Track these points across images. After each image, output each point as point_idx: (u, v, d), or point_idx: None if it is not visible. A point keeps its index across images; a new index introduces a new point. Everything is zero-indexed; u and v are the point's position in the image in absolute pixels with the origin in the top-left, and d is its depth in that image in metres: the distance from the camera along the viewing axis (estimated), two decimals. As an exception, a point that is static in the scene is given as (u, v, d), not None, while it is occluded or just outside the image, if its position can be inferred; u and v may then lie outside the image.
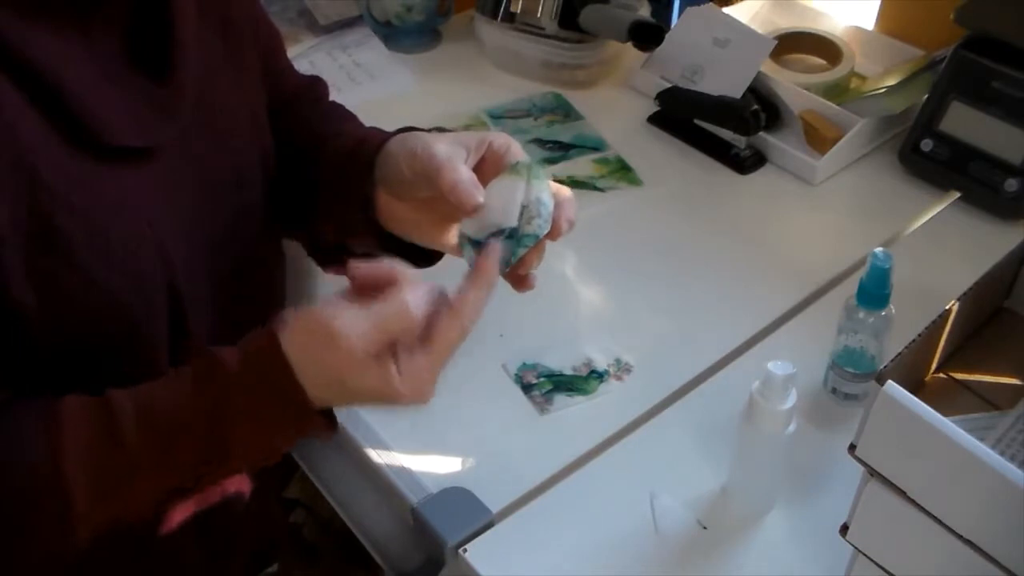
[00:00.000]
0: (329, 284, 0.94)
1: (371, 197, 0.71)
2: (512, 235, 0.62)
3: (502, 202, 0.62)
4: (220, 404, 0.58)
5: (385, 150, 0.70)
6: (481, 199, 0.63)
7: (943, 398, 0.75)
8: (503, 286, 0.65)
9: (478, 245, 0.62)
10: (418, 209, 0.71)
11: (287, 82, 0.86)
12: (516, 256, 0.62)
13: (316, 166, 0.78)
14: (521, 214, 0.62)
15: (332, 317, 0.58)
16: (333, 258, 0.83)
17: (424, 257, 0.75)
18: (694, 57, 1.17)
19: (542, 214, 0.62)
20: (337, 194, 0.74)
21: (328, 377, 0.58)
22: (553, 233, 0.65)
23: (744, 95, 1.10)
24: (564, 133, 1.17)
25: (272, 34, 0.83)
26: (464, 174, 0.64)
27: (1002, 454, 0.55)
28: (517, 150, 0.68)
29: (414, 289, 0.59)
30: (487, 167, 0.67)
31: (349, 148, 0.75)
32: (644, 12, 1.22)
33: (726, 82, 1.12)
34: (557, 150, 1.14)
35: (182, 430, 0.58)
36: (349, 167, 0.73)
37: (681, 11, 1.30)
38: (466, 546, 0.72)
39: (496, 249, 0.62)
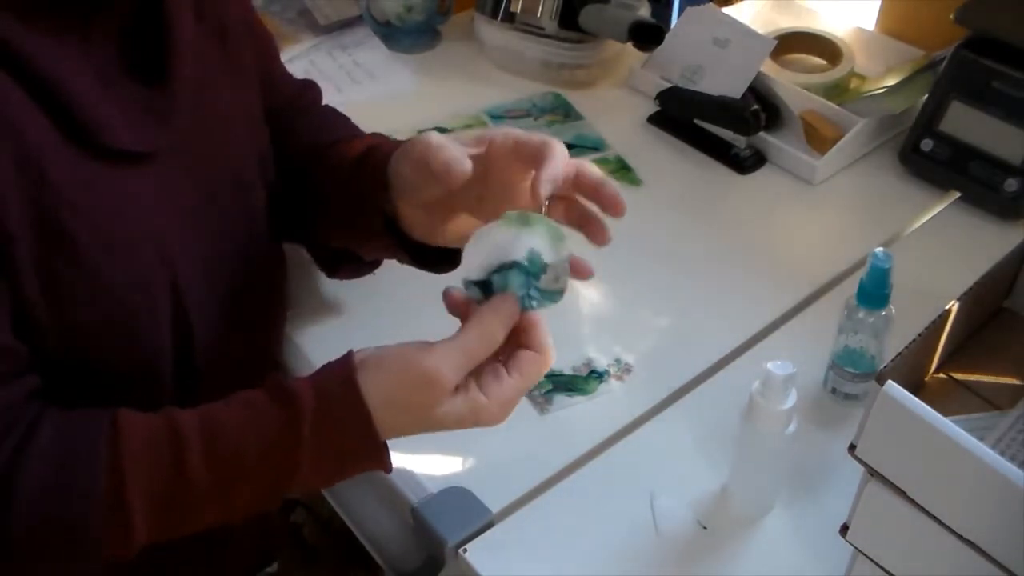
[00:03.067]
0: (332, 285, 0.94)
1: (390, 208, 0.72)
2: (515, 266, 0.61)
3: (497, 243, 0.62)
4: (293, 457, 0.59)
5: (393, 160, 0.70)
6: (470, 166, 0.63)
7: (943, 398, 0.75)
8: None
9: (483, 286, 0.62)
10: (433, 211, 0.70)
11: (282, 87, 0.86)
12: (541, 305, 0.63)
13: (320, 174, 0.78)
14: (545, 272, 0.62)
15: (424, 357, 0.58)
16: (340, 264, 0.83)
17: (447, 260, 0.75)
18: (694, 57, 1.17)
19: (568, 271, 0.63)
20: (351, 204, 0.74)
21: (415, 415, 0.59)
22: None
23: (744, 95, 1.10)
24: (564, 133, 1.17)
25: (266, 39, 0.83)
26: (454, 150, 0.63)
27: (1002, 454, 0.55)
28: (520, 139, 0.66)
29: (492, 311, 0.60)
30: (496, 165, 0.67)
31: (356, 157, 0.75)
32: (644, 12, 1.22)
33: (726, 82, 1.12)
34: (557, 150, 1.14)
35: (248, 470, 0.59)
36: (361, 177, 0.73)
37: (681, 11, 1.30)
38: (466, 546, 0.72)
39: (512, 301, 0.62)
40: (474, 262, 0.63)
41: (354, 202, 0.74)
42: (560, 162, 0.63)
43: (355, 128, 0.86)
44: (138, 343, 0.64)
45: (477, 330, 0.60)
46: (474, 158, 0.64)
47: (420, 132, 1.14)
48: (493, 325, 0.60)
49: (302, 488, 0.61)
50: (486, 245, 0.62)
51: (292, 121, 0.85)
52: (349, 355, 0.61)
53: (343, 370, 0.60)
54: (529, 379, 0.61)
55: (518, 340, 0.62)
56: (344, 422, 0.59)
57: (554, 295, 0.63)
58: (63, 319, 0.60)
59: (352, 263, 0.81)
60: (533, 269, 0.62)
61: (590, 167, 0.67)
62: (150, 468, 0.57)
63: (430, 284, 0.77)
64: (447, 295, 0.63)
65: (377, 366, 0.60)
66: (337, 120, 0.88)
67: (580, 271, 0.67)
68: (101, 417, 0.58)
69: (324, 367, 0.61)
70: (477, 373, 0.60)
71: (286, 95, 0.86)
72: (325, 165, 0.78)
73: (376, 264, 0.83)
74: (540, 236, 0.62)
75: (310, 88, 0.91)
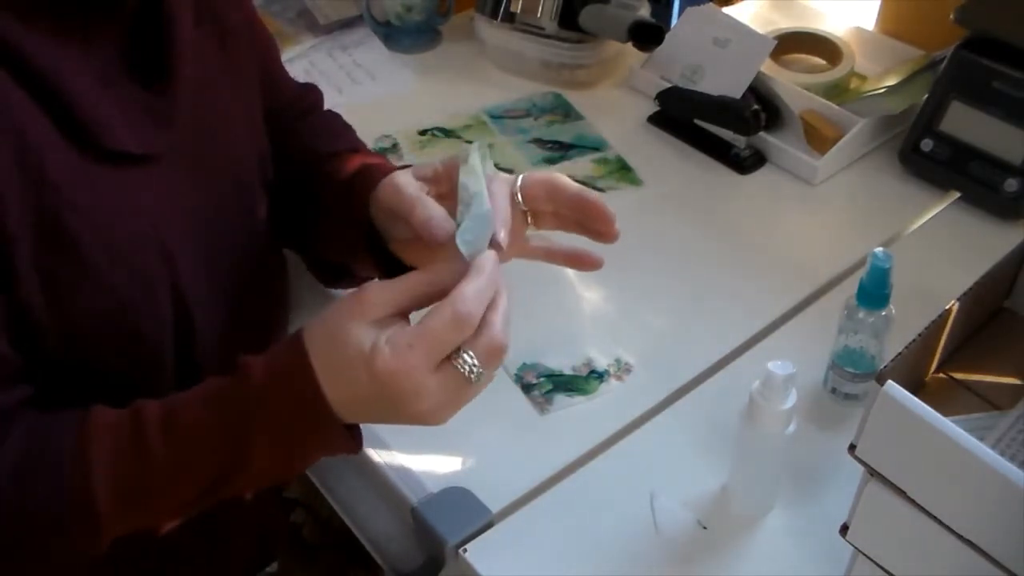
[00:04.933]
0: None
1: (378, 236, 0.72)
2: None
3: (466, 194, 0.63)
4: (242, 417, 0.58)
5: (372, 196, 0.71)
6: (451, 231, 0.62)
7: (943, 398, 0.75)
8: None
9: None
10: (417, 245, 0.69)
11: (283, 89, 0.86)
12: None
13: (312, 188, 0.78)
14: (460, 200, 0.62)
15: (354, 293, 0.59)
16: (338, 276, 0.82)
17: None
18: (694, 57, 1.17)
19: (464, 200, 0.62)
20: (341, 223, 0.74)
21: (335, 332, 0.57)
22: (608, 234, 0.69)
23: (744, 95, 1.10)
24: (564, 133, 1.17)
25: (268, 41, 0.83)
26: (435, 210, 0.64)
27: (1002, 454, 0.55)
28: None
29: (446, 264, 0.60)
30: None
31: (348, 177, 0.74)
32: (644, 12, 1.22)
33: (726, 82, 1.12)
34: (557, 150, 1.14)
35: (203, 441, 0.58)
36: (348, 200, 0.73)
37: (681, 11, 1.30)
38: (466, 546, 0.72)
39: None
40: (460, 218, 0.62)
41: (342, 223, 0.74)
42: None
43: (355, 139, 0.86)
44: (139, 343, 0.64)
45: (427, 272, 0.60)
46: (442, 196, 0.66)
47: (420, 132, 1.15)
48: (442, 273, 0.59)
49: (268, 460, 0.59)
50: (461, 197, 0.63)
51: (293, 122, 0.84)
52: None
53: (294, 337, 0.59)
54: (427, 324, 0.56)
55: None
56: (288, 374, 0.58)
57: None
58: (64, 320, 0.60)
59: (349, 276, 0.81)
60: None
61: (563, 180, 0.68)
62: (114, 450, 0.57)
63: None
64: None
65: (321, 321, 0.59)
66: (337, 128, 0.87)
67: (586, 262, 0.70)
68: (73, 413, 0.59)
69: (280, 341, 0.61)
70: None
71: (287, 97, 0.86)
72: (320, 178, 0.78)
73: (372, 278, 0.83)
74: (470, 177, 0.62)
75: (311, 91, 0.90)
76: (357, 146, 0.84)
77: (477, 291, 0.57)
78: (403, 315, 0.59)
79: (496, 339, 0.57)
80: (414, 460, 0.79)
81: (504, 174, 0.68)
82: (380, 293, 0.58)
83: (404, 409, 0.57)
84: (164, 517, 0.61)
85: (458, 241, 0.60)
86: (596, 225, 0.68)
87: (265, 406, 0.58)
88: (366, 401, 0.58)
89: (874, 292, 0.75)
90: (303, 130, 0.85)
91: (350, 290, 0.60)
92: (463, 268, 0.59)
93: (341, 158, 0.78)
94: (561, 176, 0.69)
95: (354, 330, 0.57)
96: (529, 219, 0.70)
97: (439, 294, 0.58)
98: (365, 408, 0.59)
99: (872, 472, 0.57)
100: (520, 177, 0.68)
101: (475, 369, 0.57)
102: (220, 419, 0.58)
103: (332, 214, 0.75)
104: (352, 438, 0.61)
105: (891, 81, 1.17)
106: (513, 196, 0.67)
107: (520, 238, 0.71)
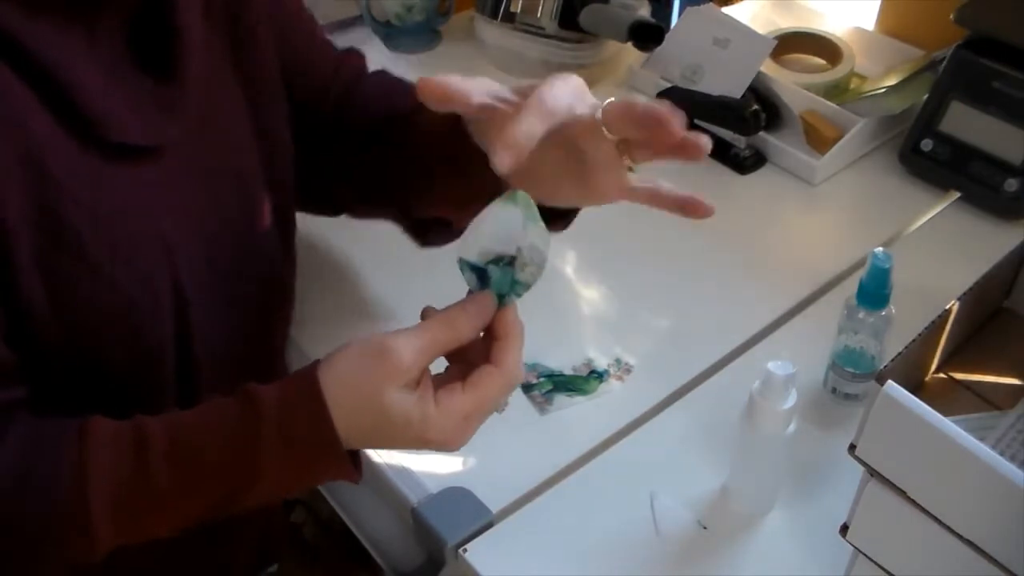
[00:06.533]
0: (337, 288, 0.94)
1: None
2: (510, 263, 0.61)
3: (500, 229, 0.61)
4: (252, 449, 0.58)
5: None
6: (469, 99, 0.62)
7: (943, 398, 0.75)
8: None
9: (477, 270, 0.61)
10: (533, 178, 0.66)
11: (320, 62, 0.83)
12: (507, 302, 0.61)
13: (410, 146, 0.76)
14: (516, 258, 0.60)
15: (382, 335, 0.58)
16: (430, 231, 0.81)
17: (561, 215, 0.71)
18: (694, 57, 1.17)
19: (536, 261, 0.61)
20: (452, 173, 0.72)
21: (367, 394, 0.58)
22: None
23: (744, 95, 1.10)
24: (564, 133, 1.16)
25: (301, 16, 0.81)
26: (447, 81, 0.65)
27: (1002, 454, 0.55)
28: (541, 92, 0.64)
29: (460, 307, 0.60)
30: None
31: (450, 124, 0.71)
32: (644, 12, 1.22)
33: (726, 82, 1.12)
34: (557, 150, 1.13)
35: (211, 469, 0.58)
36: (457, 145, 0.69)
37: (681, 11, 1.30)
38: (466, 546, 0.72)
39: (490, 299, 0.61)
40: (472, 239, 0.61)
41: (455, 171, 0.71)
42: (555, 89, 0.63)
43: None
44: (139, 339, 0.64)
45: (441, 318, 0.59)
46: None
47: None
48: (458, 317, 0.59)
49: (269, 490, 0.60)
50: (484, 223, 0.61)
51: (344, 97, 0.83)
52: (318, 360, 0.60)
53: (307, 368, 0.60)
54: (483, 395, 0.59)
55: (488, 351, 0.61)
56: (300, 409, 0.58)
57: (518, 286, 0.61)
58: (64, 315, 0.59)
59: (443, 230, 0.79)
60: (518, 261, 0.61)
61: (635, 100, 0.62)
62: (115, 469, 0.57)
63: (440, 290, 0.77)
64: (424, 314, 0.62)
65: (339, 351, 0.59)
66: (406, 85, 0.84)
67: (696, 209, 0.67)
68: (70, 422, 0.58)
69: (294, 372, 0.61)
70: (437, 385, 0.60)
71: (327, 70, 0.83)
72: (414, 135, 0.75)
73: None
74: (540, 238, 0.61)
75: (350, 55, 0.87)
76: None
77: (520, 354, 0.60)
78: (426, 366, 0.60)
79: (520, 379, 0.61)
80: (414, 460, 0.79)
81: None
82: (408, 354, 0.57)
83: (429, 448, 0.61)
84: (159, 534, 0.61)
85: (509, 303, 0.61)
86: (664, 134, 0.62)
87: (273, 434, 0.58)
88: (390, 445, 0.61)
89: (874, 292, 0.75)
90: (366, 96, 0.83)
91: (365, 338, 0.60)
92: (475, 309, 0.60)
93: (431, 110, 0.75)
94: (636, 99, 0.62)
95: (393, 396, 0.58)
96: (626, 159, 0.64)
97: (457, 342, 0.59)
98: (382, 446, 0.63)
99: (872, 472, 0.57)
100: (603, 104, 0.63)
101: (504, 405, 0.62)
102: (226, 447, 0.58)
103: (440, 167, 0.73)
104: (356, 468, 0.61)
105: (891, 81, 1.17)
106: (599, 126, 0.63)
107: (617, 175, 0.66)
